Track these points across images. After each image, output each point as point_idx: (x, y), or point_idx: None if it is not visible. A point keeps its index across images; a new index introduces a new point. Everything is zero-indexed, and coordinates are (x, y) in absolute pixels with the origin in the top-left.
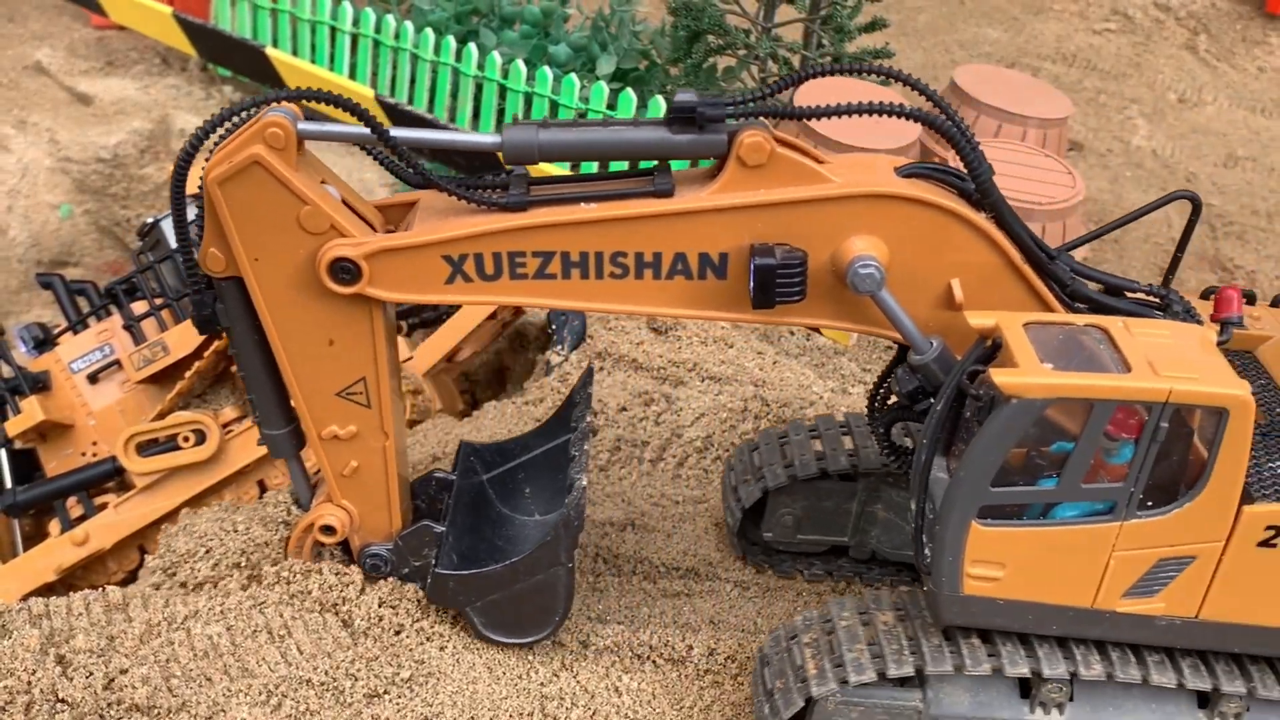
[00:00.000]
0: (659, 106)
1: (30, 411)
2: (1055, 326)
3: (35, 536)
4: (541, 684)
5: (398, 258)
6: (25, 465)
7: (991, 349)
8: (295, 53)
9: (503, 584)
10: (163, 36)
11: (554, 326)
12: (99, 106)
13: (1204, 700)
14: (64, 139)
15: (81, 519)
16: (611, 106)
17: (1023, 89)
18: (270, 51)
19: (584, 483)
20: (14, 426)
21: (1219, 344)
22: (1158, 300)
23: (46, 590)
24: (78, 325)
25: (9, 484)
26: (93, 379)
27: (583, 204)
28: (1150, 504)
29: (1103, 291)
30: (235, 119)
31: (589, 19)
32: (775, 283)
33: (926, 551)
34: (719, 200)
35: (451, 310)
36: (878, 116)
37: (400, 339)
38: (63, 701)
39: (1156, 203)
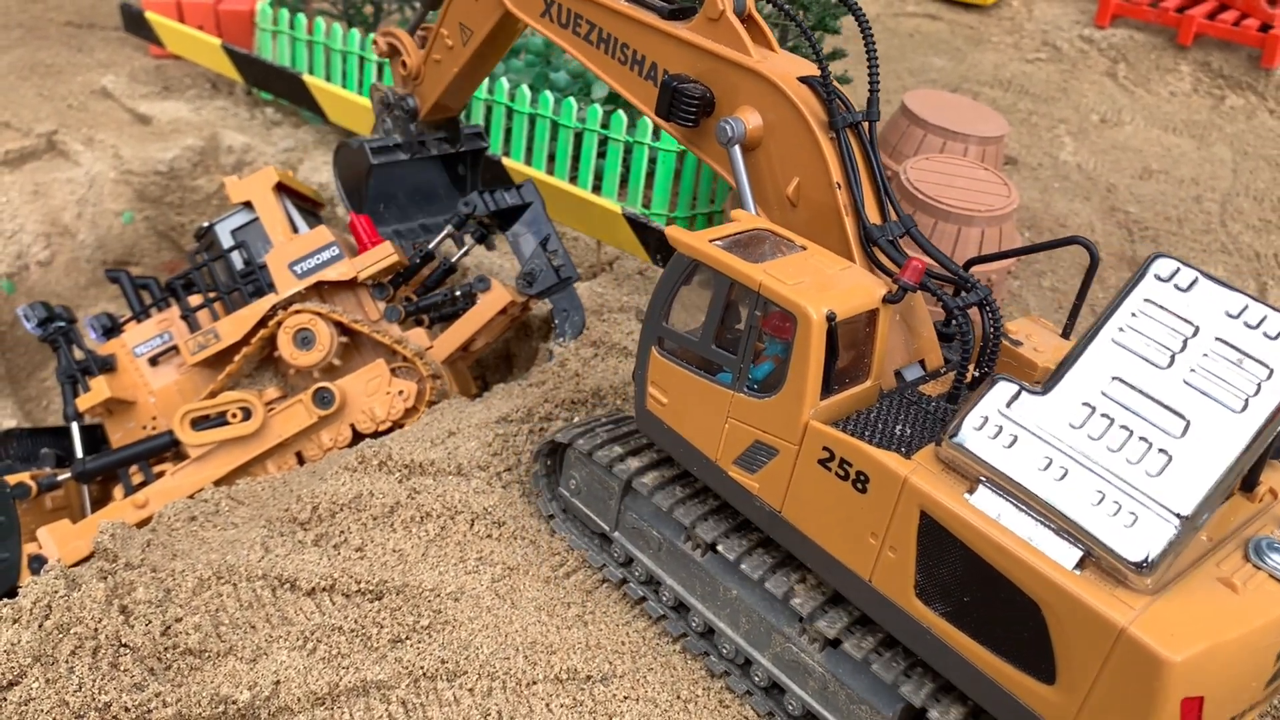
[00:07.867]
0: (646, 126)
1: (98, 389)
2: (779, 237)
3: (102, 500)
4: (545, 633)
5: None
6: (93, 437)
7: None
8: (328, 79)
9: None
10: (212, 65)
11: (556, 320)
12: (157, 126)
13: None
14: (126, 154)
15: (142, 485)
16: (605, 125)
17: (964, 111)
18: (307, 78)
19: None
20: (84, 403)
21: (889, 300)
22: (970, 287)
23: None
24: (141, 315)
25: (79, 453)
26: (153, 362)
27: (625, 1)
28: (757, 387)
29: (945, 280)
30: None
31: None
32: (673, 100)
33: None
34: (680, 33)
35: (466, 307)
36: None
37: (421, 330)
38: (125, 646)
39: (1053, 243)
